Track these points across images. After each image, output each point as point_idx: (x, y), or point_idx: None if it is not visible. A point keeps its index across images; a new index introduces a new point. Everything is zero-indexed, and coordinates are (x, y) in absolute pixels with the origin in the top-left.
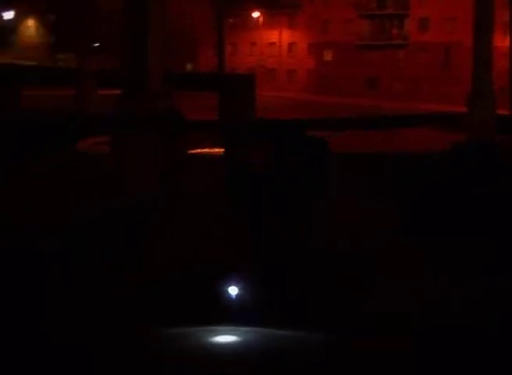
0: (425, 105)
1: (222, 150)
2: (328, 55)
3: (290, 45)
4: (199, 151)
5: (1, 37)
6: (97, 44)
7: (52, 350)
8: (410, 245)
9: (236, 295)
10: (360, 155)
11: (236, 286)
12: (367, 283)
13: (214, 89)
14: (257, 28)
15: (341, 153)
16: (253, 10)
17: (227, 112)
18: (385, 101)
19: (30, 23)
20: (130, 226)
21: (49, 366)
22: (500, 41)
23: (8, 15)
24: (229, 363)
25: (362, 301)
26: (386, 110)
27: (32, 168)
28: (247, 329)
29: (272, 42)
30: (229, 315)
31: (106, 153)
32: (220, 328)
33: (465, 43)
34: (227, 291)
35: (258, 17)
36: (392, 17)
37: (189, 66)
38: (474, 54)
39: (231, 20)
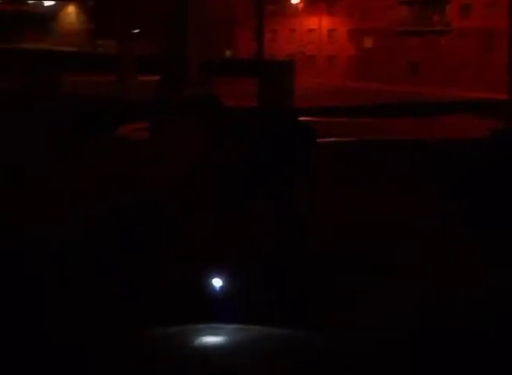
0: (467, 93)
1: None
2: (368, 42)
3: (330, 32)
4: None
5: (42, 24)
6: (136, 31)
7: (49, 349)
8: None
9: (220, 287)
10: (400, 142)
11: (221, 278)
12: (360, 281)
13: (253, 75)
14: (296, 15)
15: (381, 140)
16: None
17: (266, 99)
18: (426, 88)
19: (70, 9)
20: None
21: (46, 366)
22: None
23: (49, 1)
24: (221, 363)
25: (356, 298)
26: (427, 97)
27: (72, 154)
28: (236, 327)
29: (312, 29)
30: (212, 307)
31: (145, 139)
32: (210, 326)
33: (508, 29)
34: (211, 283)
35: (298, 4)
36: (432, 3)
37: (228, 53)
38: None
39: (271, 7)
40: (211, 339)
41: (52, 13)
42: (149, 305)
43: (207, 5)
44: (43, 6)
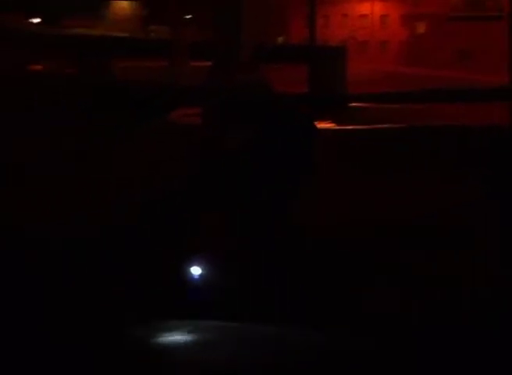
0: None
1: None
2: (420, 27)
3: (382, 17)
4: None
5: (94, 9)
6: (189, 16)
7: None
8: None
9: (200, 275)
10: (450, 128)
11: (200, 266)
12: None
13: (304, 61)
14: (349, 0)
15: (432, 126)
16: None
17: (317, 85)
18: (479, 75)
19: None
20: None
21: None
22: None
23: None
24: (221, 363)
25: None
26: (479, 83)
27: (125, 139)
28: (235, 325)
29: (364, 14)
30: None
31: (197, 124)
32: (210, 324)
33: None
34: (189, 271)
35: None
36: None
37: (280, 39)
38: None
39: None
40: (210, 338)
41: None
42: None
43: None
44: None
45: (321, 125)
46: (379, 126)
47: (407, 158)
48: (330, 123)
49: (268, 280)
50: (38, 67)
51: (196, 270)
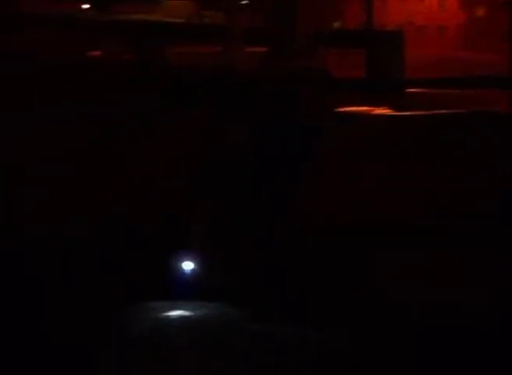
0: None
1: (369, 108)
2: (479, 11)
3: (440, 1)
4: (346, 109)
5: None
6: (244, 2)
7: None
8: None
9: (192, 270)
10: (502, 114)
11: (192, 261)
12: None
13: (361, 46)
14: None
15: (491, 111)
16: None
17: (374, 70)
18: None
19: None
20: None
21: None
22: None
23: None
24: (220, 368)
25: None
26: None
27: (167, 127)
28: (233, 325)
29: None
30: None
31: None
32: (215, 322)
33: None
34: (181, 266)
35: None
36: None
37: (336, 24)
38: None
39: None
40: (209, 337)
41: None
42: None
43: None
44: None
45: (378, 111)
46: (437, 111)
47: (466, 146)
48: (387, 108)
49: (268, 279)
50: (97, 53)
51: (188, 265)
